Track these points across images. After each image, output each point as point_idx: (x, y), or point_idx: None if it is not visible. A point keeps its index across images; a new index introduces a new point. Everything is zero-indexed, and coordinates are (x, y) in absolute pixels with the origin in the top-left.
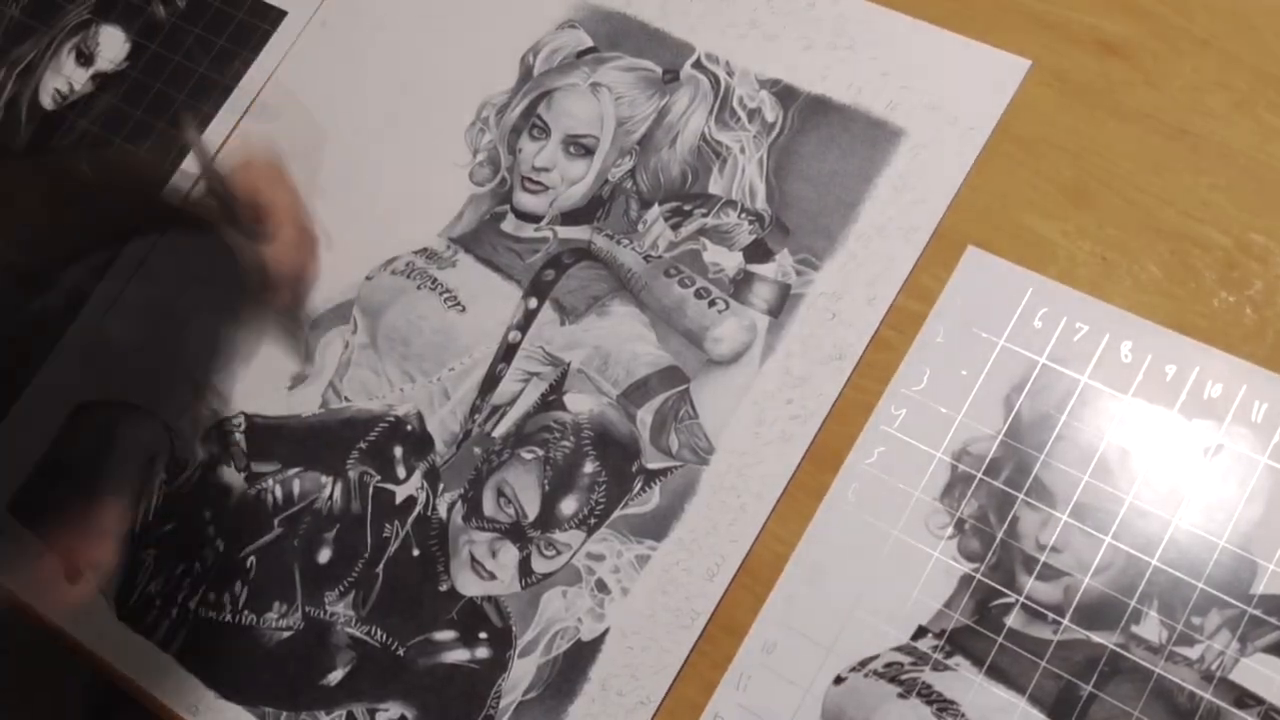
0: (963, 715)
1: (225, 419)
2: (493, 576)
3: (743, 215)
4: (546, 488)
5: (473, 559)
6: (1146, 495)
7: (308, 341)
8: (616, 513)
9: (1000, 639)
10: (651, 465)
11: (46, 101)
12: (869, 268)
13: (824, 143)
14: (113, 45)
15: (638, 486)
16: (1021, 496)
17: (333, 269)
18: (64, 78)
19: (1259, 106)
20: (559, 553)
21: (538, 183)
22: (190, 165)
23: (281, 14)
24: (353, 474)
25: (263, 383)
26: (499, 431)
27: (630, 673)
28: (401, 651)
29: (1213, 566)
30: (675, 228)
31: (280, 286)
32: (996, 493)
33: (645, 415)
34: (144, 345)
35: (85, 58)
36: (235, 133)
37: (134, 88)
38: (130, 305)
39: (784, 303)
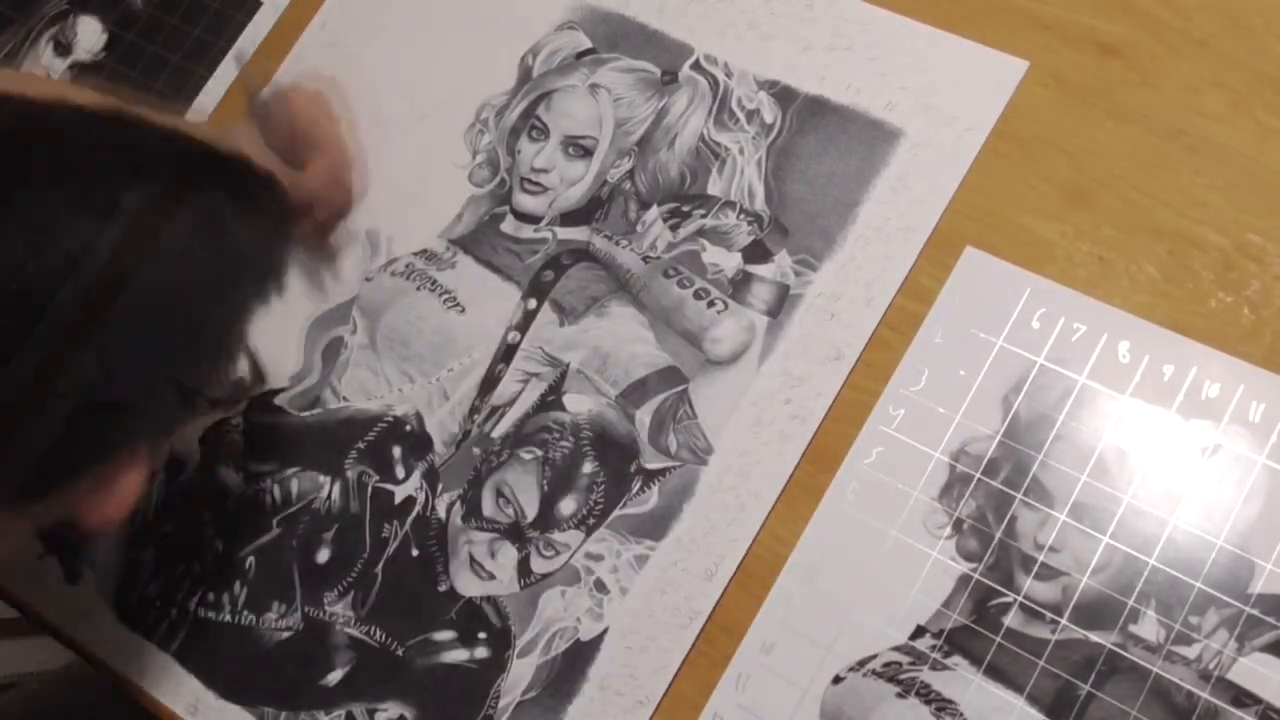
0: (961, 715)
1: (223, 419)
2: (492, 577)
3: (741, 216)
4: (545, 488)
5: (472, 559)
6: (1144, 495)
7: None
8: (615, 513)
9: (998, 638)
10: (650, 465)
11: None
12: (867, 268)
13: (822, 144)
14: (90, 35)
15: (636, 486)
16: (1019, 496)
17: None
18: (43, 68)
19: (1256, 107)
20: (558, 553)
21: (537, 184)
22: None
23: (257, 4)
24: (351, 474)
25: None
26: (498, 432)
27: (629, 672)
28: (400, 652)
29: (1210, 566)
30: (674, 228)
31: (305, 215)
32: (995, 492)
33: (644, 415)
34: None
35: (63, 48)
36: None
37: (111, 77)
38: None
39: (783, 303)
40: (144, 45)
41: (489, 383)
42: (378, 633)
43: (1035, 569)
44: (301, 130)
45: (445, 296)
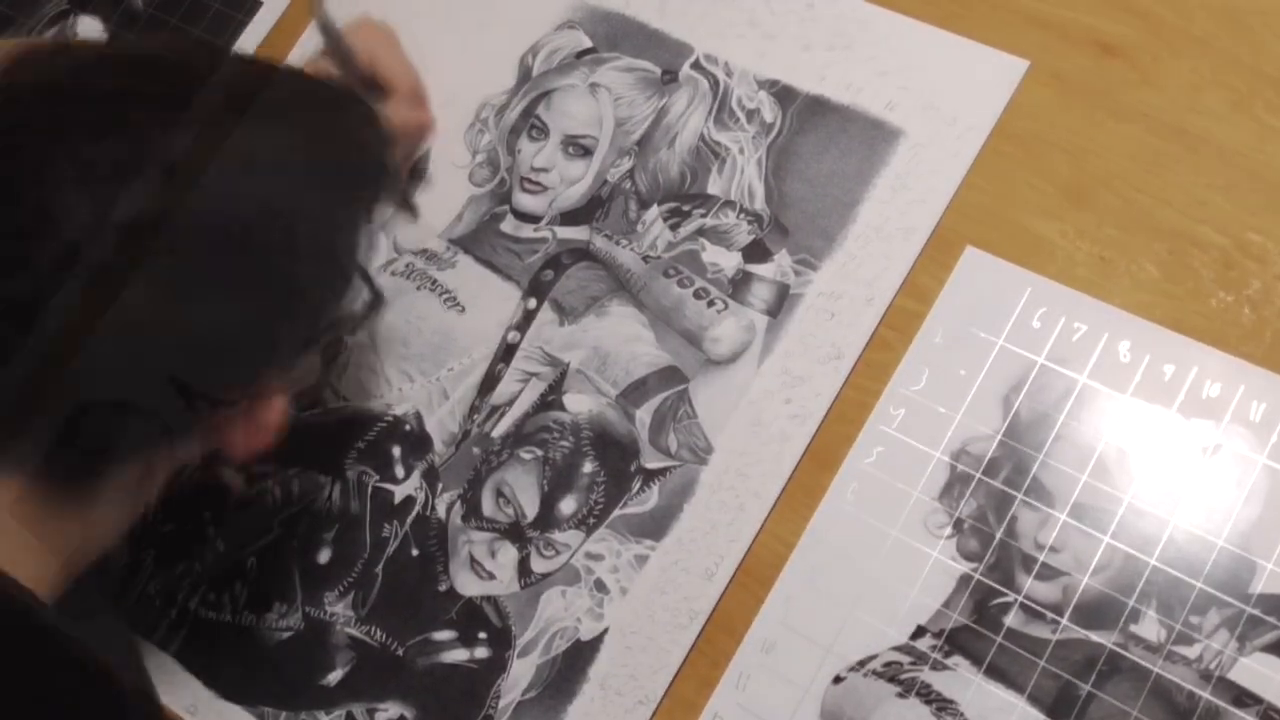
0: (961, 714)
1: None
2: (492, 576)
3: (741, 215)
4: (545, 488)
5: (472, 559)
6: (1145, 495)
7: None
8: (615, 512)
9: (999, 639)
10: (650, 465)
11: None
12: (867, 268)
13: (822, 143)
14: (91, 35)
15: (636, 486)
16: (1020, 496)
17: None
18: None
19: (1256, 106)
20: (558, 553)
21: (536, 183)
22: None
23: (257, 4)
24: (351, 474)
25: None
26: (498, 431)
27: (629, 672)
28: (401, 651)
29: (1211, 566)
30: (674, 228)
31: (395, 143)
32: (995, 492)
33: (644, 415)
34: None
35: None
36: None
37: None
38: None
39: (782, 303)
40: None
41: (489, 382)
42: (378, 633)
43: (1036, 569)
44: (376, 63)
45: (445, 296)
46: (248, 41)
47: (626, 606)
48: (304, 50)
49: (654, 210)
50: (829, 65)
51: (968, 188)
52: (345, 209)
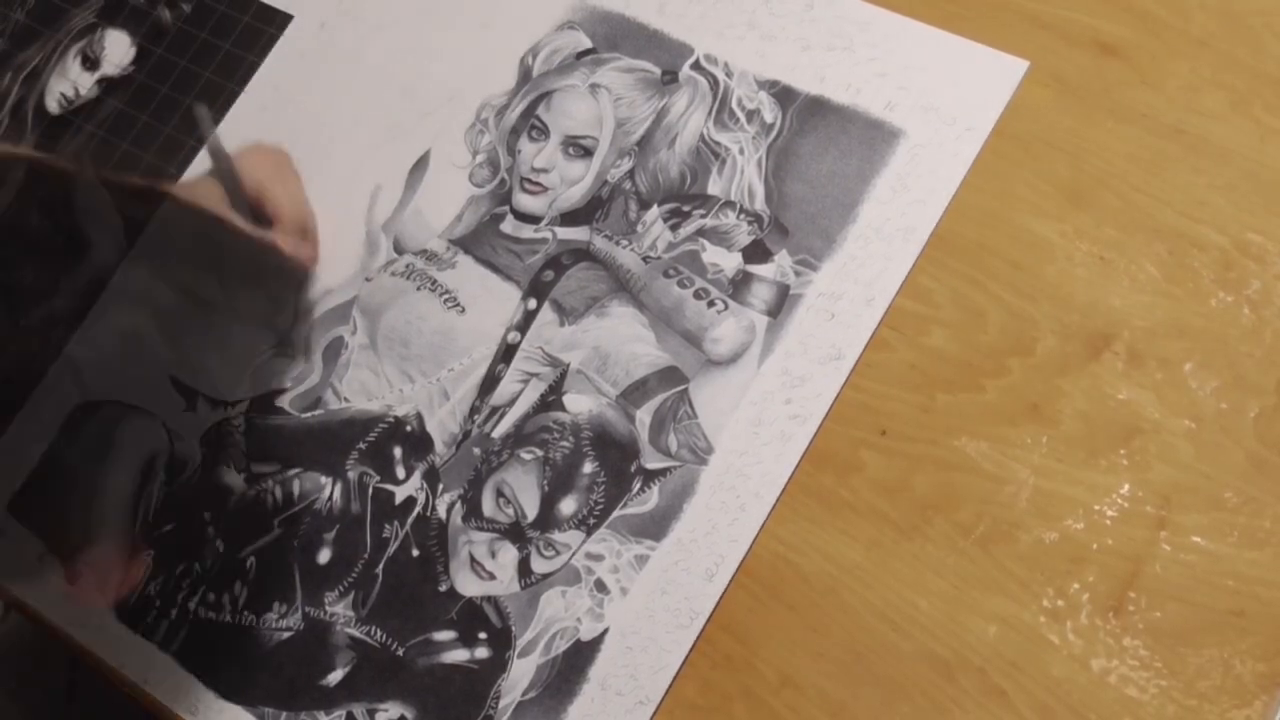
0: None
1: (225, 419)
2: (492, 577)
3: (741, 216)
4: (546, 488)
5: (472, 559)
6: None
7: (307, 338)
8: (615, 513)
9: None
10: (650, 465)
11: (52, 106)
12: (867, 268)
13: (822, 143)
14: (118, 49)
15: (637, 487)
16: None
17: (333, 270)
18: (69, 82)
19: (1256, 106)
20: (558, 553)
21: (537, 184)
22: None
23: (288, 18)
24: (352, 474)
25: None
26: (498, 432)
27: (629, 672)
28: (401, 652)
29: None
30: (674, 228)
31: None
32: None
33: (644, 415)
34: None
35: (91, 62)
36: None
37: (140, 92)
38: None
39: (783, 303)
40: (174, 59)
41: (489, 383)
42: (378, 633)
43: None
44: (263, 192)
45: (445, 297)
46: (277, 56)
47: (627, 607)
48: (300, 55)
49: (654, 211)
50: (829, 66)
51: (968, 188)
52: None
